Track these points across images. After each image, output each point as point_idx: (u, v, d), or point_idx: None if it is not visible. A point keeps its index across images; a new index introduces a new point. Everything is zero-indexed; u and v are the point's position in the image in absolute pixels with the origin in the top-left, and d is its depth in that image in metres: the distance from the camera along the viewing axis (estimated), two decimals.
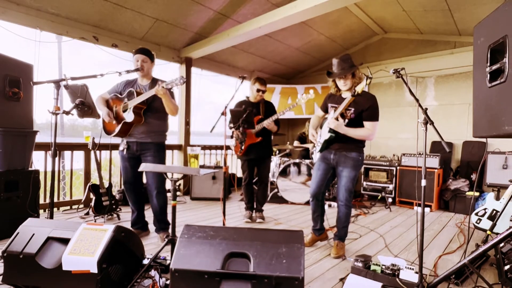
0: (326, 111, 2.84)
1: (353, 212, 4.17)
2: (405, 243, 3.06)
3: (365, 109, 2.54)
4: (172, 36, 4.80)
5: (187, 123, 5.45)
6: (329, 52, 6.17)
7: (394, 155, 5.24)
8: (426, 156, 2.30)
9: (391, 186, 4.91)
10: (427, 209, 4.47)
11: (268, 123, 3.47)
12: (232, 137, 3.64)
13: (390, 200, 4.79)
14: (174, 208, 2.14)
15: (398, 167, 4.88)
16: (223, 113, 2.98)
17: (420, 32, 5.30)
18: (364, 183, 5.20)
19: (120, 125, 2.74)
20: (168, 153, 5.15)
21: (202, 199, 4.90)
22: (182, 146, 5.44)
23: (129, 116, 2.70)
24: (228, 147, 3.55)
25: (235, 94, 3.10)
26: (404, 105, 5.60)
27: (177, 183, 2.24)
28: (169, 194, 2.90)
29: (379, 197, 4.97)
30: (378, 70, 5.48)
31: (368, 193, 5.18)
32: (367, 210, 4.50)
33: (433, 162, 4.55)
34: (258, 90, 3.56)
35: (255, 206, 3.81)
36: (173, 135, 5.39)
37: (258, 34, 4.31)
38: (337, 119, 2.54)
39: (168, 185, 3.48)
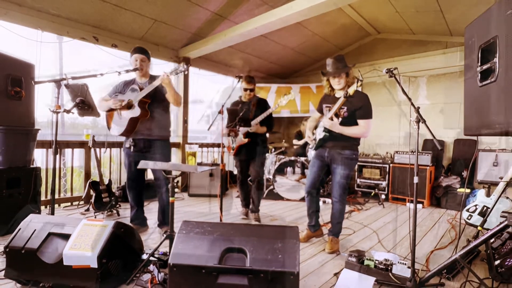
0: (321, 112, 2.89)
1: (347, 208, 4.22)
2: (398, 238, 3.12)
3: (358, 108, 2.59)
4: (170, 36, 4.83)
5: (185, 122, 5.49)
6: (323, 52, 6.23)
7: (387, 152, 5.31)
8: (419, 153, 2.35)
9: (384, 183, 4.98)
10: (419, 206, 4.54)
11: (252, 127, 3.40)
12: (229, 135, 3.64)
13: (383, 196, 4.86)
14: (172, 204, 2.19)
15: (391, 165, 4.95)
16: (220, 112, 3.02)
17: (413, 32, 5.36)
18: (358, 180, 5.27)
19: (127, 122, 2.76)
20: None
21: (200, 196, 4.93)
22: (180, 144, 5.48)
23: (135, 111, 2.72)
24: (225, 145, 3.58)
25: (232, 93, 3.14)
26: (397, 104, 5.67)
27: (175, 180, 2.28)
28: None
29: (372, 194, 5.04)
30: (371, 69, 5.54)
31: (362, 190, 5.24)
32: (360, 206, 4.56)
33: (425, 159, 4.63)
34: (245, 89, 3.50)
35: (250, 206, 3.76)
36: (171, 133, 5.42)
37: (254, 34, 4.35)
38: (331, 119, 2.60)
39: None
